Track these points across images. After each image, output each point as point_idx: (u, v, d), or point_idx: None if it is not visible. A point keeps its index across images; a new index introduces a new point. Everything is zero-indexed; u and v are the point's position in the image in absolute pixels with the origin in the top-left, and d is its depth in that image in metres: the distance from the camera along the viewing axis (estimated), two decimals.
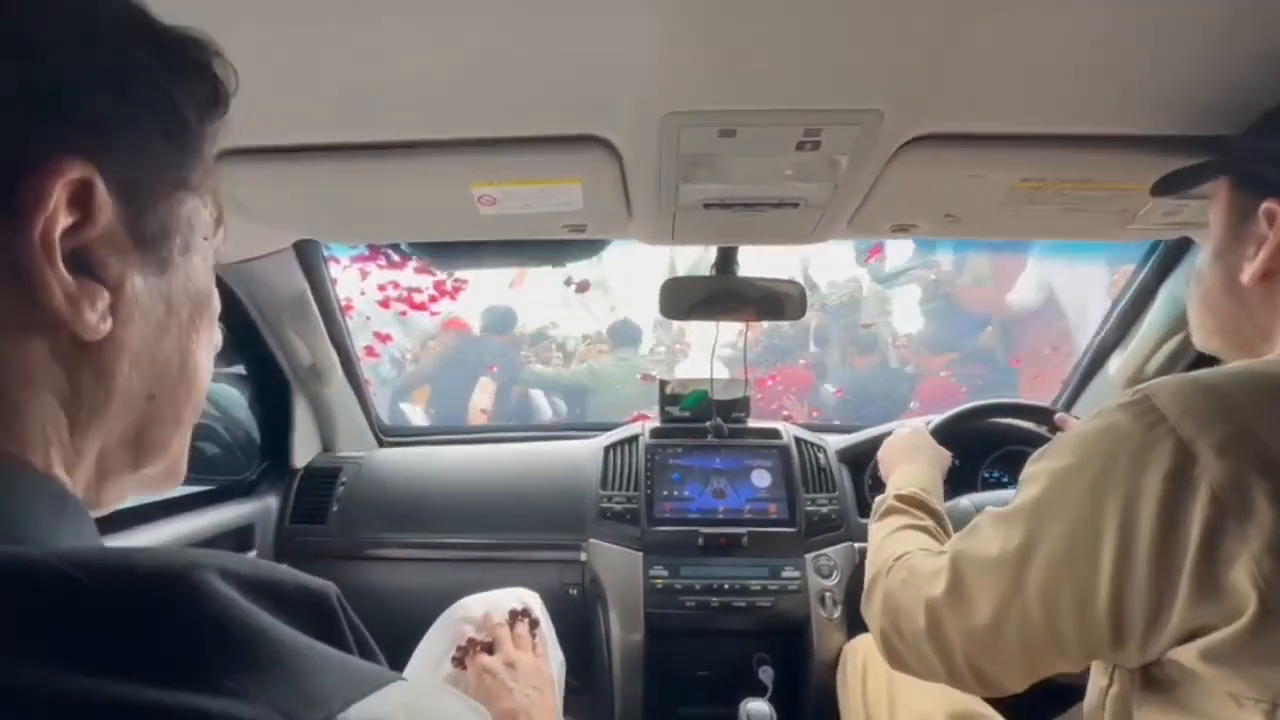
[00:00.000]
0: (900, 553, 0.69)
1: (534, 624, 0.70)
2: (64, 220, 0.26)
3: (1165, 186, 0.66)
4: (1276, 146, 0.52)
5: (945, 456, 0.95)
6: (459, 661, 0.62)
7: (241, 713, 0.20)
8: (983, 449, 1.21)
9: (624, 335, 3.80)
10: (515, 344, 3.88)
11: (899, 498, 0.83)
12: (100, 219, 0.28)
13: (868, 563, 0.76)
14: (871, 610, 0.69)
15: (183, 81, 0.31)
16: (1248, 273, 0.51)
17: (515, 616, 0.69)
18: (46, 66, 0.27)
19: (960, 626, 0.55)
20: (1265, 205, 0.50)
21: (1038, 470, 0.51)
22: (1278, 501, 0.40)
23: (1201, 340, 0.60)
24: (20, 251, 0.25)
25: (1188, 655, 0.43)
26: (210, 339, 0.35)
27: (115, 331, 0.29)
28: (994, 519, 0.53)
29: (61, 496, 0.27)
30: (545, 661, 0.66)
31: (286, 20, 0.49)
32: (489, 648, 0.64)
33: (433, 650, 0.67)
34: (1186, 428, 0.43)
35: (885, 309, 4.14)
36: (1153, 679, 0.47)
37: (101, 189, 0.27)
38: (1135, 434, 0.44)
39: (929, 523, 0.79)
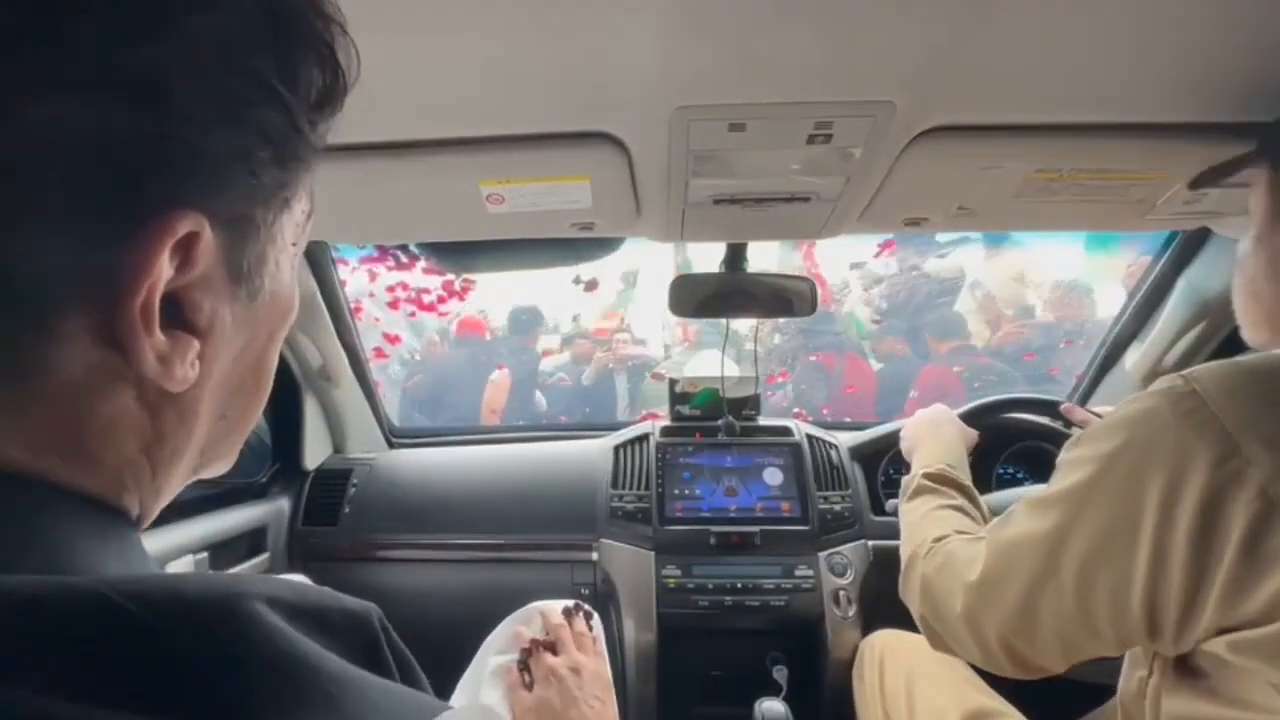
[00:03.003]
0: (937, 535, 0.69)
1: (589, 615, 0.69)
2: (165, 279, 0.24)
3: (1204, 179, 0.66)
4: None
5: (971, 435, 0.94)
6: (524, 665, 0.61)
7: None
8: (997, 446, 1.20)
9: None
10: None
11: (927, 476, 0.82)
12: (200, 265, 0.25)
13: (902, 544, 0.76)
14: (910, 594, 0.71)
15: (301, 80, 0.27)
16: None
17: (570, 613, 0.68)
18: (173, 112, 0.23)
19: (995, 611, 0.56)
20: None
21: (1075, 456, 0.51)
22: None
23: (1249, 333, 0.59)
24: (118, 319, 0.23)
25: (1218, 646, 0.42)
26: (281, 339, 0.33)
27: (200, 373, 0.26)
28: (1030, 504, 0.54)
29: (114, 517, 0.26)
30: (604, 663, 0.65)
31: None
32: (552, 647, 0.63)
33: (487, 654, 0.66)
34: (1230, 416, 0.41)
35: None
36: (1188, 666, 0.46)
37: (209, 236, 0.24)
38: (1175, 421, 0.43)
39: (960, 500, 0.78)
